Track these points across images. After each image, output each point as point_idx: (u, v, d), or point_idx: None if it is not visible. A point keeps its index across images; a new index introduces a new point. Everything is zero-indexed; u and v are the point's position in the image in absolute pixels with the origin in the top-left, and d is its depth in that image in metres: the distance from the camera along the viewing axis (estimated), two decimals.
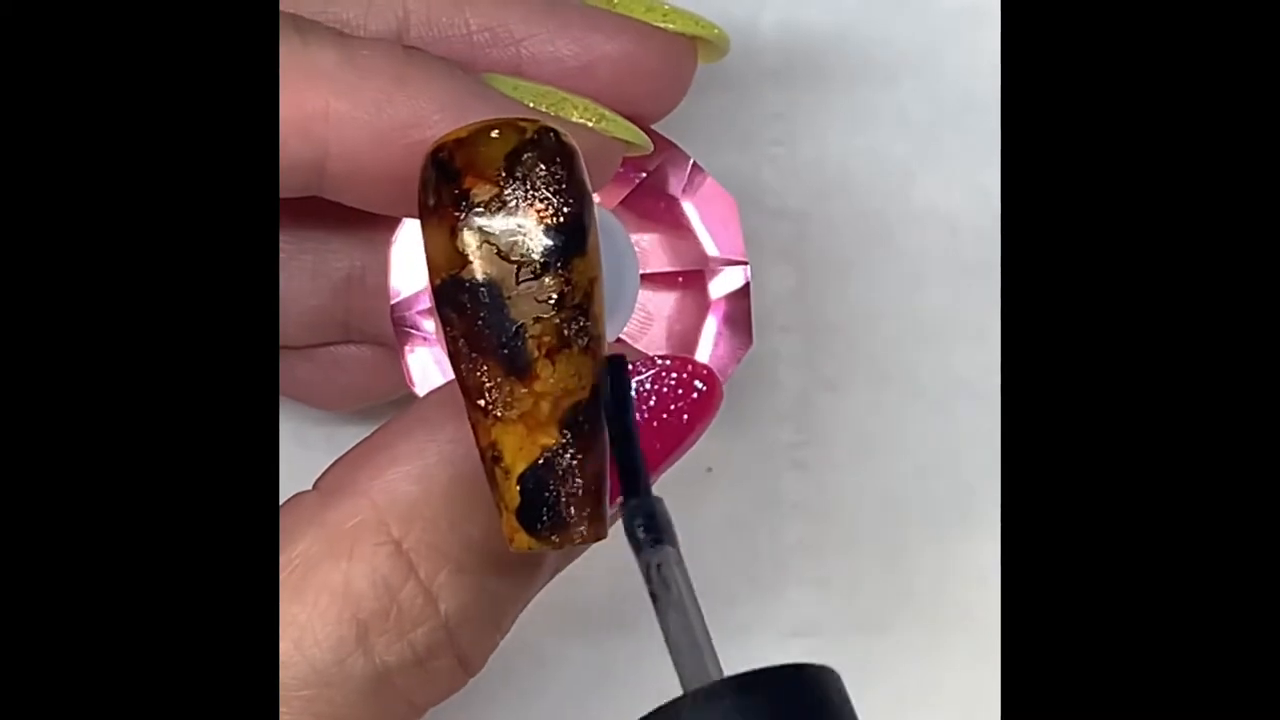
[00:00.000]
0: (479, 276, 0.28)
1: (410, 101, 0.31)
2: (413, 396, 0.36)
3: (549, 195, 0.28)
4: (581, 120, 0.33)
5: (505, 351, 0.28)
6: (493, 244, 0.28)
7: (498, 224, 0.28)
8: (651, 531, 0.28)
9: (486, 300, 0.28)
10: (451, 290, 0.28)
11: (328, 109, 0.31)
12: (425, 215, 0.28)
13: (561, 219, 0.28)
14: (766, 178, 0.42)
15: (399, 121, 0.31)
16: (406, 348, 0.36)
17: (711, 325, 0.36)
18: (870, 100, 0.41)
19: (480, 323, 0.28)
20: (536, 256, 0.28)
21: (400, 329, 0.36)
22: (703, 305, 0.36)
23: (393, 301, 0.36)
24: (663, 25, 0.34)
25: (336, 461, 0.32)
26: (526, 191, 0.28)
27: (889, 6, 0.41)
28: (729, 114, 0.41)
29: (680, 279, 0.37)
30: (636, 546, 0.28)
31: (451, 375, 0.35)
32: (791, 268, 0.41)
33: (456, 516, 0.30)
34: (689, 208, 0.36)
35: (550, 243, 0.28)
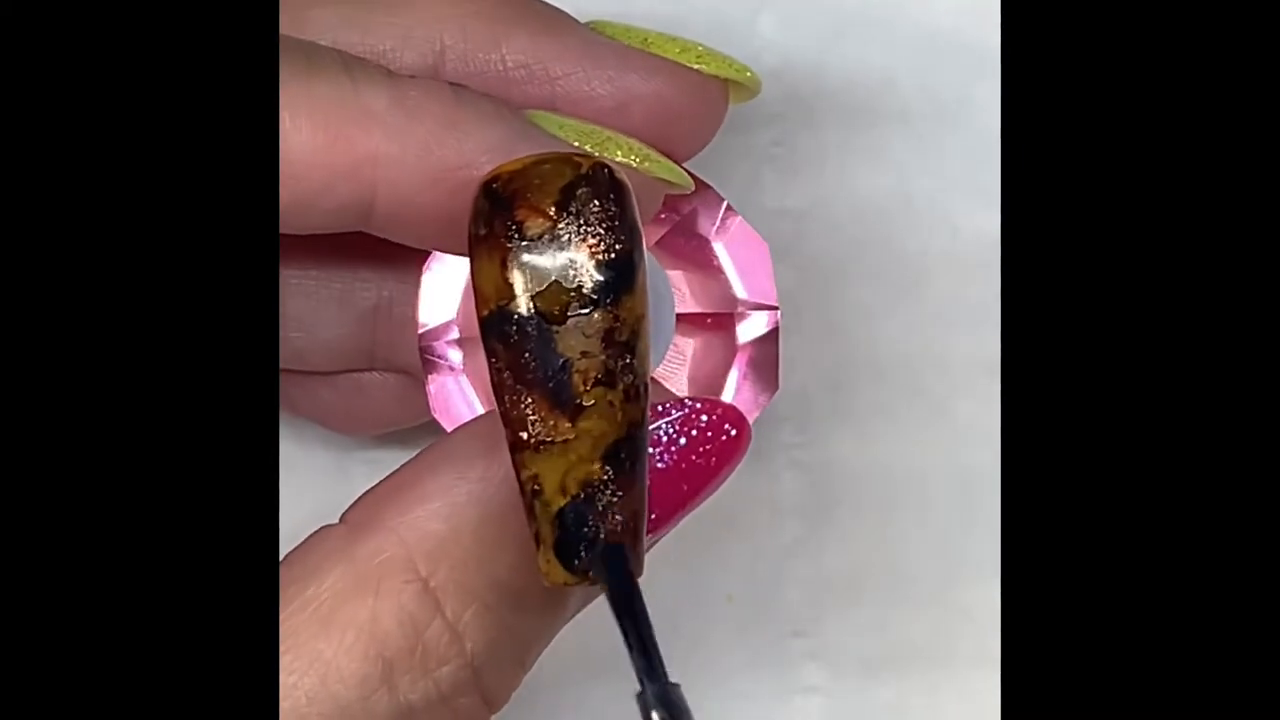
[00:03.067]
0: (527, 309, 0.28)
1: (459, 144, 0.31)
2: (434, 425, 0.36)
3: (601, 231, 0.28)
4: (625, 160, 0.33)
5: (551, 385, 0.28)
6: (543, 277, 0.28)
7: (549, 257, 0.28)
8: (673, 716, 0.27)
9: (534, 333, 0.28)
10: (499, 321, 0.28)
11: (377, 152, 0.31)
12: (475, 245, 0.28)
13: (613, 255, 0.28)
14: (766, 178, 0.42)
15: (448, 164, 0.31)
16: (431, 377, 0.36)
17: (738, 368, 0.36)
18: (870, 100, 0.41)
19: (527, 355, 0.28)
20: (586, 291, 0.28)
21: (426, 359, 0.36)
22: (730, 348, 0.36)
23: (420, 332, 0.36)
24: (697, 67, 0.34)
25: (364, 495, 0.32)
26: (579, 226, 0.28)
27: (888, 6, 0.41)
28: (728, 113, 0.41)
29: (709, 320, 0.37)
30: None
31: (476, 408, 0.36)
32: (791, 268, 0.41)
33: (484, 555, 0.30)
34: (720, 249, 0.36)
35: (601, 278, 0.28)
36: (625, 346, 0.28)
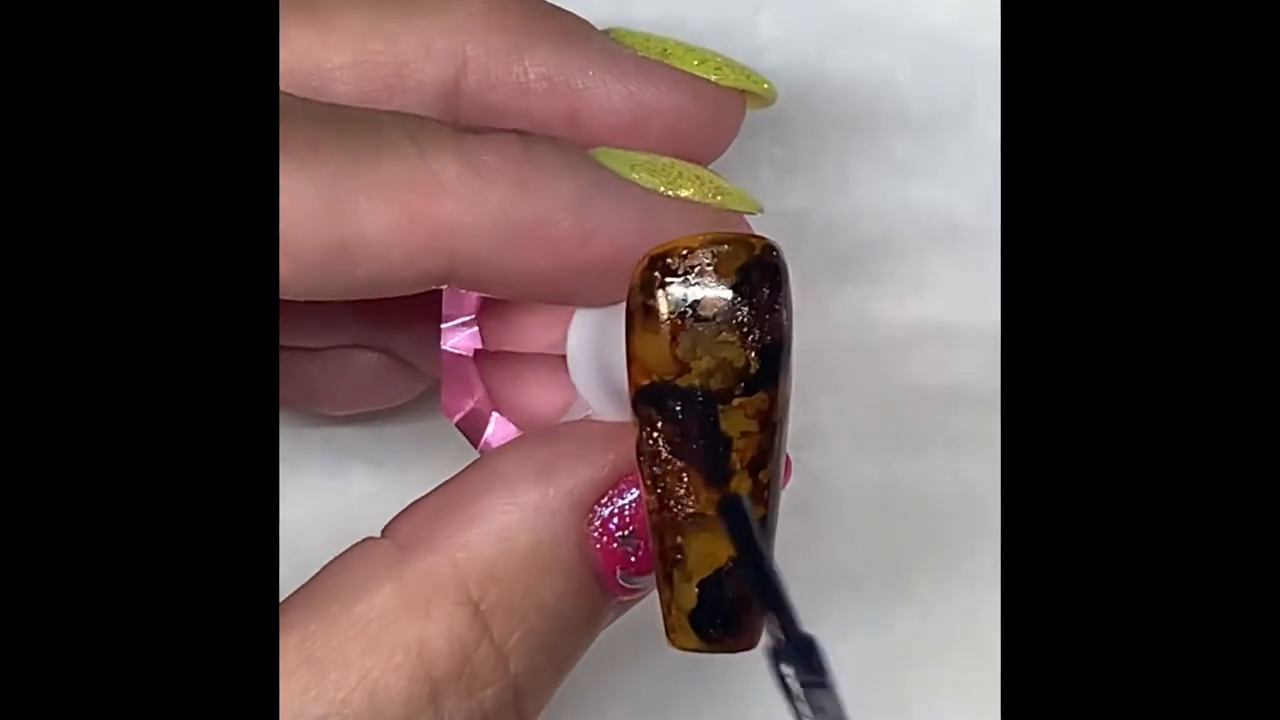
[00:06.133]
0: (696, 386, 0.28)
1: (534, 205, 0.31)
2: (423, 412, 0.36)
3: (769, 314, 0.29)
4: (699, 196, 0.33)
5: (709, 462, 0.29)
6: (714, 356, 0.29)
7: (721, 337, 0.29)
8: (811, 674, 0.27)
9: (700, 411, 0.29)
10: (663, 395, 0.29)
11: (453, 222, 0.31)
12: (640, 316, 0.29)
13: (778, 337, 0.29)
14: (766, 178, 0.42)
15: (524, 225, 0.31)
16: (449, 370, 0.36)
17: None
18: (870, 101, 0.41)
19: (692, 432, 0.29)
20: (752, 373, 0.29)
21: (447, 352, 0.36)
22: None
23: (443, 326, 0.36)
24: (714, 79, 0.34)
25: (412, 511, 0.32)
26: (751, 309, 0.29)
27: (888, 6, 0.41)
28: None
29: None
30: (790, 694, 0.27)
31: (488, 405, 0.36)
32: (791, 267, 0.41)
33: (532, 580, 0.31)
34: None
35: (767, 360, 0.29)
36: (778, 427, 0.29)
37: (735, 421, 0.29)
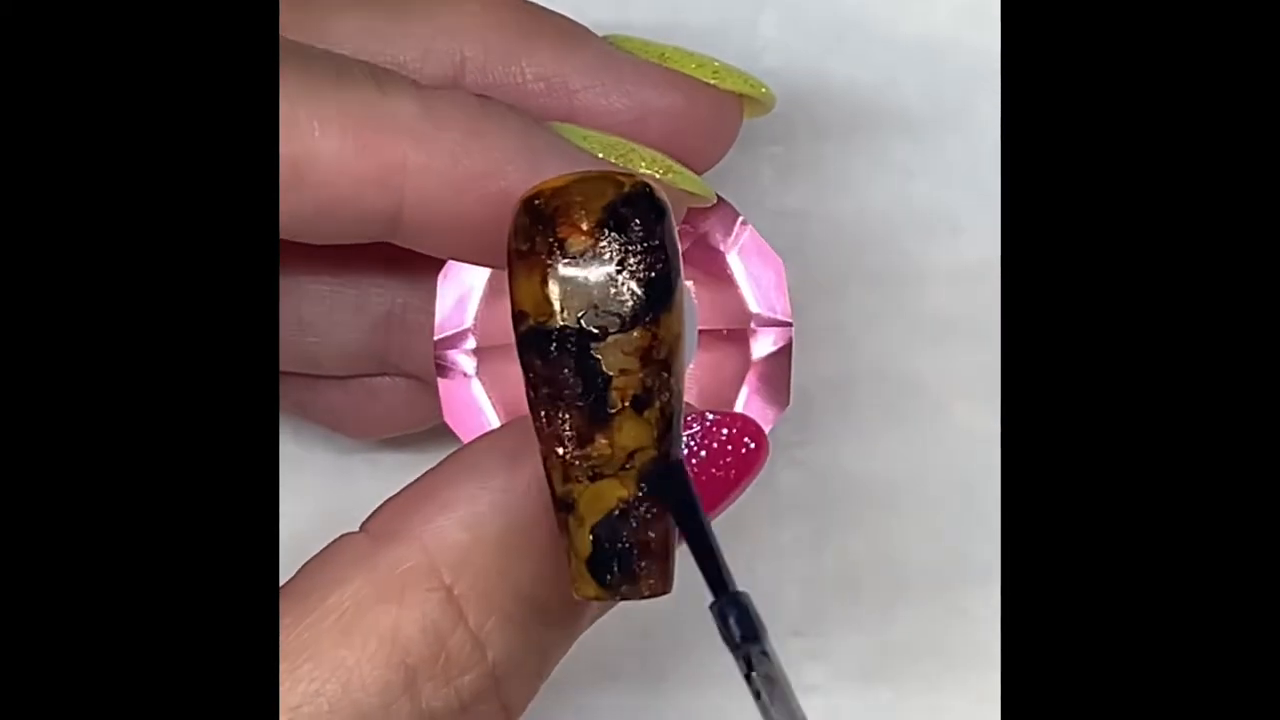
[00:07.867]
0: (568, 326, 0.28)
1: (486, 153, 0.31)
2: (440, 428, 0.36)
3: (642, 250, 0.28)
4: (649, 171, 0.33)
5: (588, 402, 0.28)
6: (584, 294, 0.28)
7: (591, 275, 0.28)
8: (746, 628, 0.28)
9: (574, 350, 0.28)
10: (538, 337, 0.28)
11: (405, 160, 0.31)
12: (515, 260, 0.29)
13: (653, 274, 0.29)
14: (766, 178, 0.42)
15: (474, 172, 0.31)
16: (444, 383, 0.36)
17: (749, 383, 0.36)
18: (871, 102, 0.41)
19: (566, 372, 0.28)
20: (627, 310, 0.28)
21: (440, 364, 0.36)
22: (742, 362, 0.36)
23: (436, 337, 0.36)
24: (713, 82, 0.35)
25: (385, 504, 0.32)
26: (621, 245, 0.28)
27: (889, 6, 0.41)
28: None
29: (724, 335, 0.37)
30: (733, 644, 0.28)
31: (489, 415, 0.36)
32: (791, 268, 0.41)
33: (506, 565, 0.31)
34: (735, 264, 0.36)
35: (641, 297, 0.28)
36: (663, 365, 0.29)
37: (613, 359, 0.28)
